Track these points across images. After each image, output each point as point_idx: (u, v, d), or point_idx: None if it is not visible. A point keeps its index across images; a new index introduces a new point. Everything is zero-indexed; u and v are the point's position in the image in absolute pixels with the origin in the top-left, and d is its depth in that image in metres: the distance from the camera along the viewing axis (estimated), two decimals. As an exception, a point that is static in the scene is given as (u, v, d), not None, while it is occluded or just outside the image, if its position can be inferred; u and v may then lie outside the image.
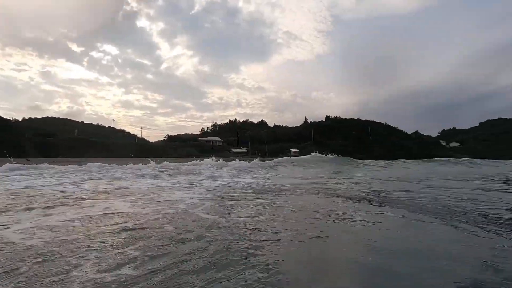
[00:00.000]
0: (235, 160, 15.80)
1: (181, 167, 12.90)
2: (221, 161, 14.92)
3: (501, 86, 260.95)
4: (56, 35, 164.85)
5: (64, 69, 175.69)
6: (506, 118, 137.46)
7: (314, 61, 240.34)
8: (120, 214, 3.92)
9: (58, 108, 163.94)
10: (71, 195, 5.61)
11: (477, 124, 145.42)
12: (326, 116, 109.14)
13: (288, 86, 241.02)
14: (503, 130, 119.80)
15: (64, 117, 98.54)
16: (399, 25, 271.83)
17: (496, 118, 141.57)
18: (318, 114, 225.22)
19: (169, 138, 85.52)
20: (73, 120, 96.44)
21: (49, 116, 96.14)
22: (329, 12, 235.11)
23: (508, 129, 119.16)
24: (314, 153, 21.38)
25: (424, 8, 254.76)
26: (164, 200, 5.05)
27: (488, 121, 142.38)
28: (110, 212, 4.05)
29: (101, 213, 3.99)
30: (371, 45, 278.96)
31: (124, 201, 4.98)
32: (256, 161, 15.96)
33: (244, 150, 77.78)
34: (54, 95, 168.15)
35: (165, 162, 14.62)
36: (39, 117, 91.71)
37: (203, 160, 15.27)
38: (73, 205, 4.56)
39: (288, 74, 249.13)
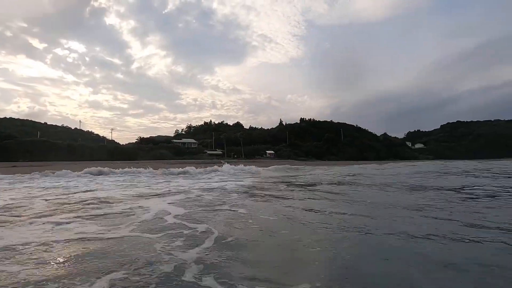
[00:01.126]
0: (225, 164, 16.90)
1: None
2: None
3: (460, 91, 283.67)
4: (15, 29, 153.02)
5: (24, 66, 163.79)
6: (464, 121, 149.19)
7: (289, 64, 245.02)
8: (80, 240, 3.41)
9: (17, 108, 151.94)
10: (25, 206, 5.25)
11: (438, 127, 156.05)
12: (301, 118, 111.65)
13: (263, 89, 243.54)
14: (461, 132, 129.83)
15: (24, 118, 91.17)
16: (369, 32, 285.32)
17: (455, 121, 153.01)
18: (292, 116, 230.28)
19: (141, 140, 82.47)
20: (34, 121, 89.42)
21: (7, 116, 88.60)
22: (302, 17, 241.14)
23: (465, 131, 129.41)
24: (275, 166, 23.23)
25: (391, 17, 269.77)
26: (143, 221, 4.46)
27: (448, 123, 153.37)
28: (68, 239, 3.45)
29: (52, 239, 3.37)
30: (343, 51, 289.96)
31: (94, 220, 4.53)
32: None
33: (220, 152, 77.06)
34: (13, 94, 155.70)
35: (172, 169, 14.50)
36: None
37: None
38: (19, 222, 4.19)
39: (263, 77, 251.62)
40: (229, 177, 15.18)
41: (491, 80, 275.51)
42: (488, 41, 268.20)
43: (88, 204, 5.96)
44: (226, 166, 21.13)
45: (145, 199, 6.80)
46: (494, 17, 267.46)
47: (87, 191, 8.43)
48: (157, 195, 7.62)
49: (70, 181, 11.87)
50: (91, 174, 15.29)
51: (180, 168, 18.21)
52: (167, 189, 9.01)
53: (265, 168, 23.33)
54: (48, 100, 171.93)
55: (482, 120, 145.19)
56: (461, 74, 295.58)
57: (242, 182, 12.01)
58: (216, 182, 12.12)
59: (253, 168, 21.05)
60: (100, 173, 15.58)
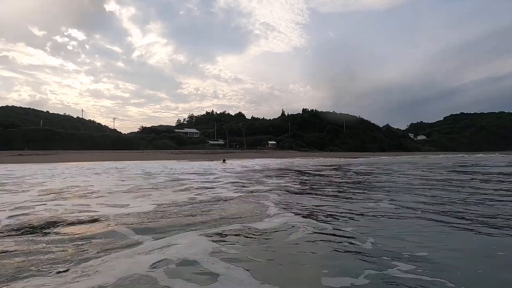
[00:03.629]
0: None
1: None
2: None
3: (465, 82, 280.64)
4: (14, 16, 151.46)
5: (24, 54, 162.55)
6: (468, 113, 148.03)
7: (291, 53, 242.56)
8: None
9: (19, 96, 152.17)
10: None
11: (441, 118, 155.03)
12: (303, 109, 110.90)
13: (265, 78, 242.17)
14: (464, 124, 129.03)
15: (26, 106, 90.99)
16: (373, 21, 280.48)
17: (458, 113, 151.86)
18: (295, 107, 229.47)
19: (143, 129, 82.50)
20: (37, 110, 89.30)
21: (9, 105, 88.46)
22: (306, 5, 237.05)
23: (469, 123, 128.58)
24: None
25: (395, 5, 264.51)
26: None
27: (451, 115, 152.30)
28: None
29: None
30: (346, 40, 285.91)
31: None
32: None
33: (222, 142, 77.16)
34: (13, 82, 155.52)
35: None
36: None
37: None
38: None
39: (265, 66, 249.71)
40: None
41: (496, 71, 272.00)
42: (494, 31, 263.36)
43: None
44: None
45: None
46: (500, 5, 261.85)
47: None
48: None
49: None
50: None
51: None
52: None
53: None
54: (49, 89, 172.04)
55: (486, 112, 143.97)
56: (465, 65, 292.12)
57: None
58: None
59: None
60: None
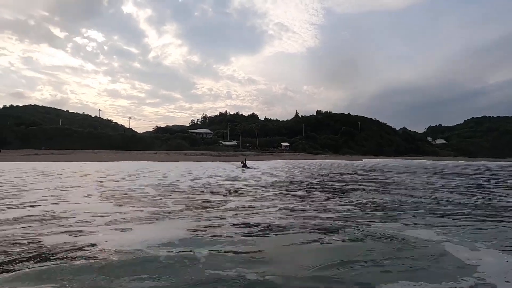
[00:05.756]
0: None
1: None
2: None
3: (489, 84, 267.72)
4: (38, 18, 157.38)
5: (47, 54, 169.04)
6: (490, 116, 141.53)
7: (305, 54, 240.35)
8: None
9: (41, 95, 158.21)
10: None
11: (461, 121, 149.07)
12: (317, 110, 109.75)
13: (278, 79, 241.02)
14: (486, 128, 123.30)
15: (48, 106, 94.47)
16: (389, 21, 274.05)
17: (480, 116, 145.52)
18: (309, 108, 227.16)
19: (158, 129, 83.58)
20: (57, 109, 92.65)
21: (32, 104, 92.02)
22: (321, 5, 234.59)
23: (491, 127, 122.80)
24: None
25: (414, 4, 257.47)
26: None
27: (472, 118, 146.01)
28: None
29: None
30: (361, 40, 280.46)
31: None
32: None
33: (235, 143, 77.05)
34: (37, 81, 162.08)
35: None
36: (20, 105, 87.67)
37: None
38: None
39: (279, 67, 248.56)
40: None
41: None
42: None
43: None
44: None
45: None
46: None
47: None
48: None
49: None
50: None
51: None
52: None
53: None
54: (69, 88, 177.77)
55: (510, 115, 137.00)
56: (489, 66, 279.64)
57: None
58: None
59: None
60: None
